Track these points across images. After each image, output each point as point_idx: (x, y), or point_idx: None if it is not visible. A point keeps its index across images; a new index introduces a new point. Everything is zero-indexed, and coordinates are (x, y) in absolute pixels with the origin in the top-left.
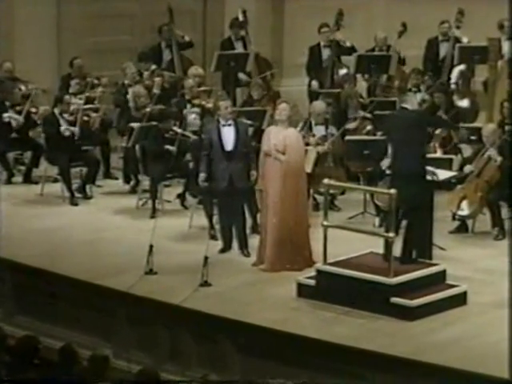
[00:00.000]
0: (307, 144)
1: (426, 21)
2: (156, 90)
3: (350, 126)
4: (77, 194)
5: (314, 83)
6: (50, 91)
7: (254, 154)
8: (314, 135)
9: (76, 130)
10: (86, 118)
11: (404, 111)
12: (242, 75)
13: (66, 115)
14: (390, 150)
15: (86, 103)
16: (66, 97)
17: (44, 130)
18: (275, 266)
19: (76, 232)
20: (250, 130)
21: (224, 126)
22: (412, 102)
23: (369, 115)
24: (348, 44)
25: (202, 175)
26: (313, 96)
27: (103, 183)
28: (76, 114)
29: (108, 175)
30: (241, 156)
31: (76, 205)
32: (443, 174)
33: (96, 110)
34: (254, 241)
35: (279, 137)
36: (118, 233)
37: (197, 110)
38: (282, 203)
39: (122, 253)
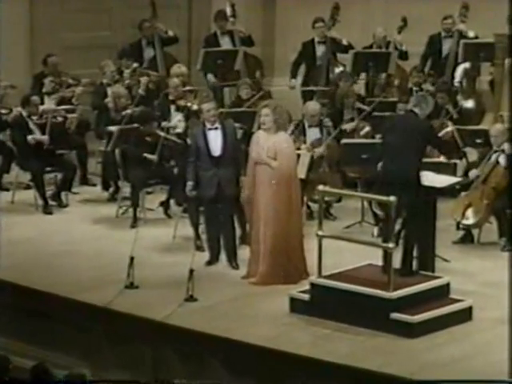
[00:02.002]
0: (299, 148)
1: (428, 15)
2: (141, 91)
3: (348, 127)
4: (51, 202)
5: (294, 81)
6: (20, 89)
7: (244, 158)
8: (305, 141)
9: (45, 138)
10: (60, 120)
11: (410, 115)
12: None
13: (34, 118)
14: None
15: (60, 104)
16: (33, 97)
17: (12, 134)
18: (268, 279)
19: (50, 243)
20: (239, 133)
21: (210, 129)
22: (424, 109)
23: (366, 107)
24: (344, 42)
25: (190, 184)
26: (307, 96)
27: (80, 190)
28: (46, 115)
29: (85, 181)
30: (229, 161)
31: (50, 213)
32: (446, 181)
33: (72, 111)
34: (243, 252)
35: (269, 142)
36: (96, 244)
37: (181, 112)
38: (274, 213)
39: (101, 265)
